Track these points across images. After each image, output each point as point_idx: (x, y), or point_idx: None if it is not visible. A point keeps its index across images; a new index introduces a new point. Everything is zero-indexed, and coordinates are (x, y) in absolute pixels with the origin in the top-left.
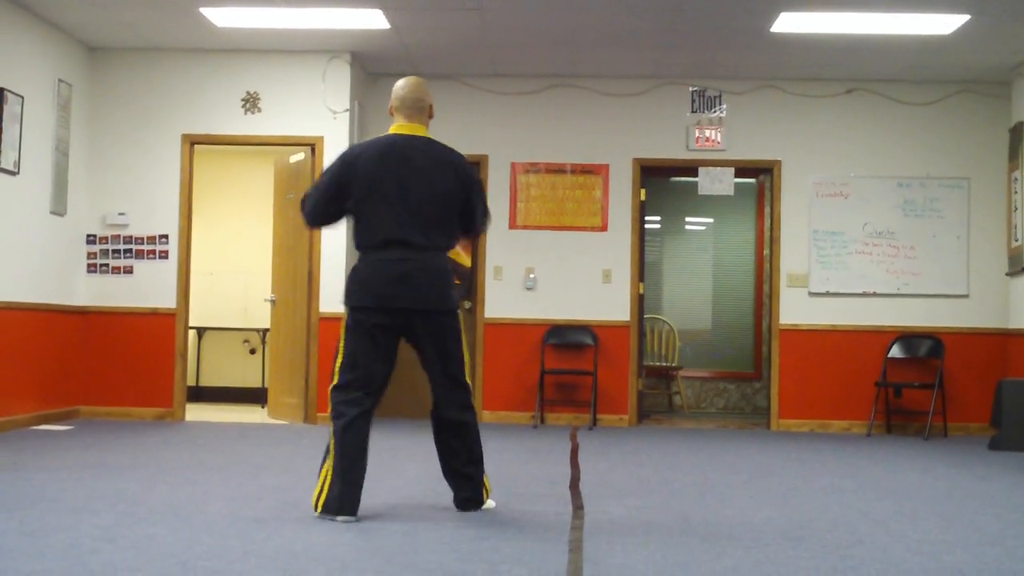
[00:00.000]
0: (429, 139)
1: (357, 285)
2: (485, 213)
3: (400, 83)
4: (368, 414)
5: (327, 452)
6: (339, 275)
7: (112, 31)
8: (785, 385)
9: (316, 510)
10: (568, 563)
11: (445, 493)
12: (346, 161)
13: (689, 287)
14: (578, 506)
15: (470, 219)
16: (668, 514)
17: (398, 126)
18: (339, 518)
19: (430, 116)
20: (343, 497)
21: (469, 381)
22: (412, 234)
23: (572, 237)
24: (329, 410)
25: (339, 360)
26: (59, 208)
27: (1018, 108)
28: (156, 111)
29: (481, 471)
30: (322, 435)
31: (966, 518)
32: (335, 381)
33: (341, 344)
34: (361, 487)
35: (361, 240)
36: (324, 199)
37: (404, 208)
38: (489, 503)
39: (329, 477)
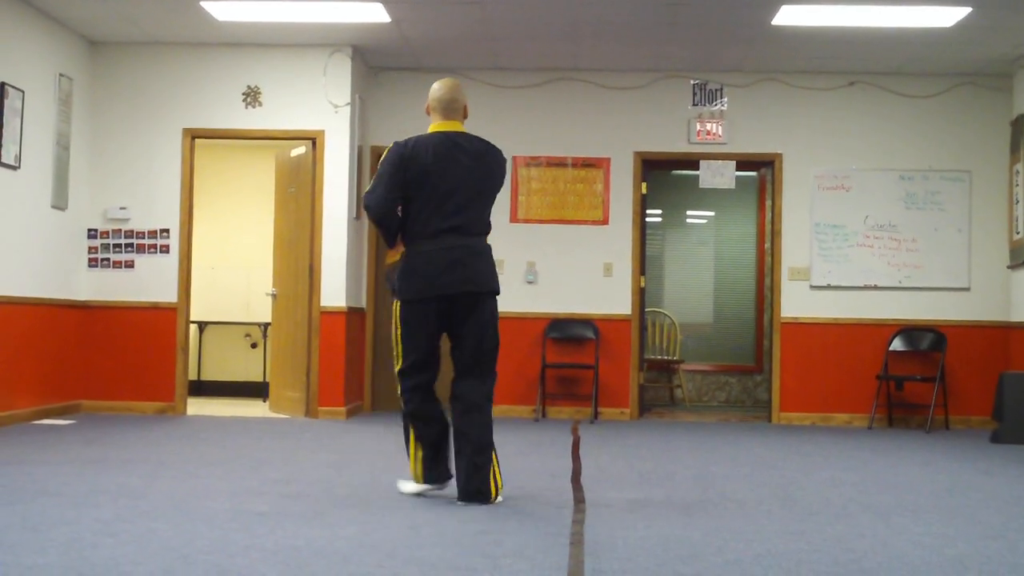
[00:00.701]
0: (467, 134)
1: (413, 274)
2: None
3: (436, 85)
4: (431, 392)
5: (406, 432)
6: (340, 269)
7: (113, 25)
8: (786, 378)
9: (419, 482)
10: (569, 556)
11: (446, 487)
12: (403, 155)
13: (690, 280)
14: (579, 499)
15: (492, 202)
16: (670, 507)
17: (437, 124)
18: (431, 486)
19: (464, 116)
20: (436, 468)
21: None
22: (463, 222)
23: (573, 231)
24: (399, 392)
25: (400, 346)
26: (60, 202)
27: (1019, 101)
28: (157, 105)
29: (490, 462)
30: (323, 429)
31: (968, 511)
32: (399, 366)
33: (399, 330)
34: (448, 456)
35: (415, 228)
36: (389, 188)
37: (454, 199)
38: (499, 500)
39: (420, 452)
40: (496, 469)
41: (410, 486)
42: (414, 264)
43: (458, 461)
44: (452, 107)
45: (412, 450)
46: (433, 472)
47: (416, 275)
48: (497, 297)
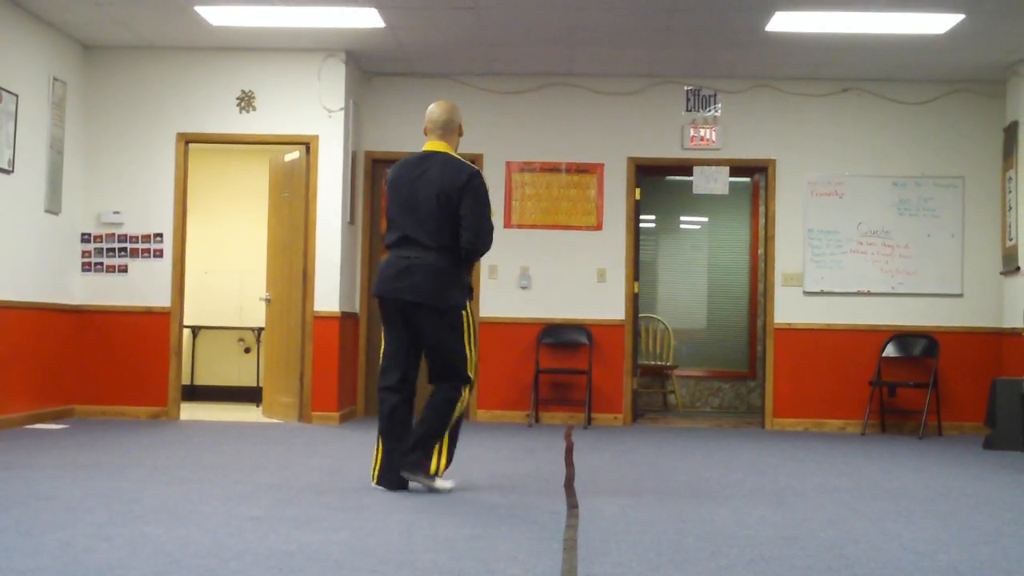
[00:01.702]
0: (449, 154)
1: (377, 278)
2: (476, 230)
3: (432, 107)
4: (402, 394)
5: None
6: (334, 274)
7: (107, 29)
8: (780, 384)
9: (373, 481)
10: (562, 562)
11: (439, 492)
12: (392, 176)
13: (684, 286)
14: (572, 505)
15: (463, 228)
16: (663, 513)
17: (428, 144)
18: (378, 488)
19: (460, 134)
20: (388, 470)
21: (472, 374)
22: (418, 234)
23: (567, 236)
24: (379, 386)
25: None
26: (54, 207)
27: (1012, 107)
28: (151, 109)
29: (436, 441)
30: (316, 434)
31: (960, 517)
32: (383, 364)
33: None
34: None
35: (385, 238)
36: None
37: (412, 212)
38: (443, 483)
39: (380, 453)
40: (443, 450)
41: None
42: (383, 268)
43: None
44: (447, 128)
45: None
46: (386, 477)
47: (378, 277)
48: (458, 308)
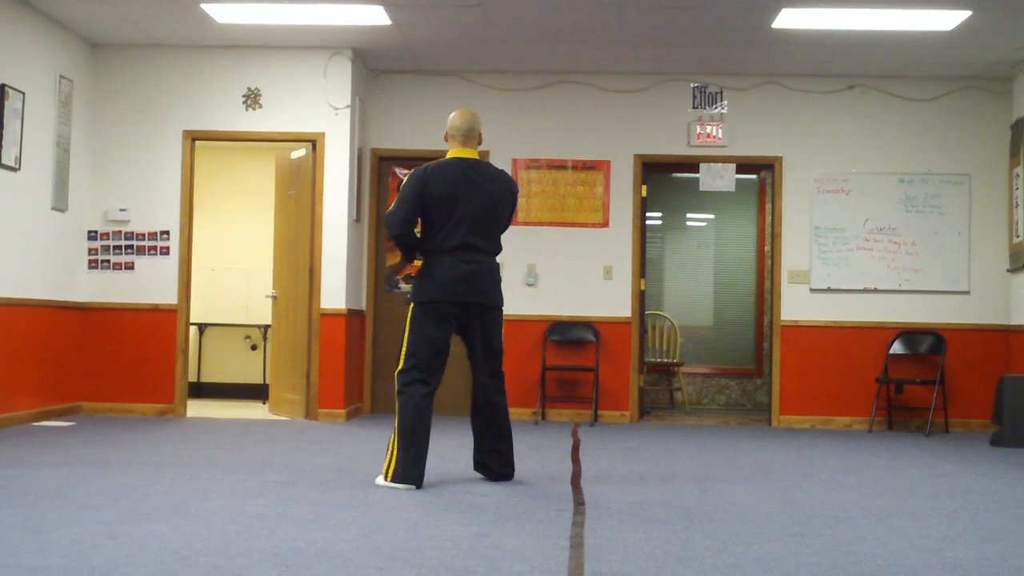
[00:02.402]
0: (480, 160)
1: (431, 283)
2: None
3: (454, 115)
4: (430, 394)
5: (393, 429)
6: (340, 271)
7: (113, 27)
8: (786, 381)
9: (386, 479)
10: (569, 559)
11: (446, 489)
12: (421, 180)
13: (690, 283)
14: (579, 502)
15: (504, 226)
16: (669, 510)
17: (455, 151)
18: (401, 486)
19: (479, 142)
20: (407, 468)
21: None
22: (477, 241)
23: (573, 233)
24: (396, 391)
25: (404, 348)
26: (60, 204)
27: (1019, 104)
28: (157, 107)
29: (512, 447)
30: (323, 431)
31: (967, 514)
32: (401, 366)
33: (408, 333)
34: (425, 459)
35: (432, 245)
36: (408, 210)
37: (469, 221)
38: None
39: (396, 450)
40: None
41: (380, 480)
42: (434, 273)
43: (483, 452)
44: (470, 135)
45: (390, 446)
46: (412, 472)
47: (435, 282)
48: (502, 309)
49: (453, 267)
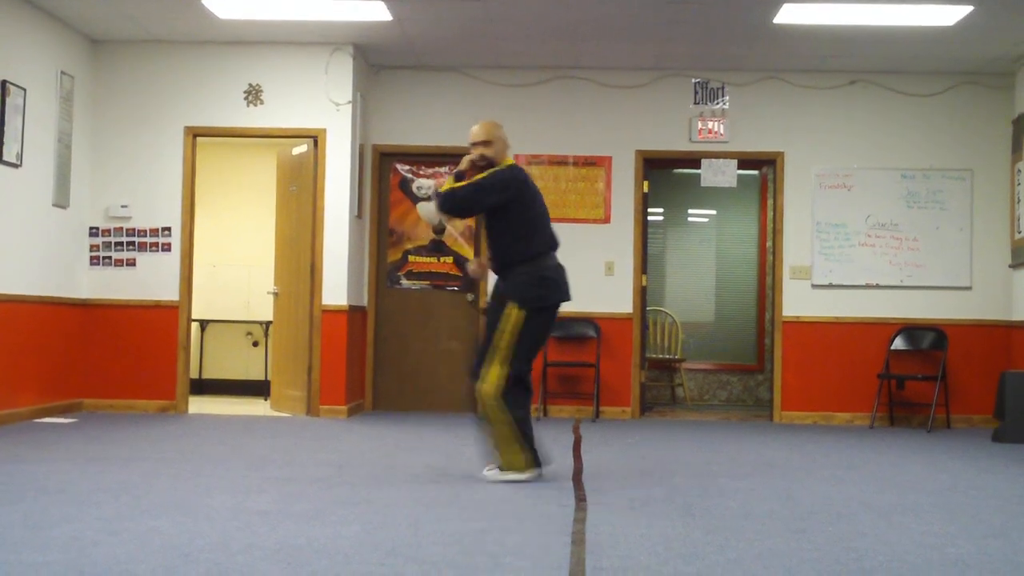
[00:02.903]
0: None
1: (548, 286)
2: None
3: (497, 128)
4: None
5: (507, 425)
6: (341, 267)
7: (114, 23)
8: (788, 377)
9: (525, 471)
10: (571, 555)
11: (448, 485)
12: (520, 179)
13: (692, 279)
14: (581, 498)
15: None
16: (671, 506)
17: (508, 160)
18: (530, 473)
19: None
20: (533, 455)
21: None
22: (554, 242)
23: (575, 229)
24: (494, 395)
25: (514, 350)
26: (62, 201)
27: (1021, 99)
28: (158, 103)
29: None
30: (324, 427)
31: (969, 510)
32: (507, 370)
33: (517, 337)
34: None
35: (534, 248)
36: (502, 199)
37: (546, 221)
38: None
39: (520, 444)
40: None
41: (517, 476)
42: (547, 275)
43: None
44: (505, 142)
45: (516, 442)
46: (535, 457)
47: (552, 285)
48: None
49: (559, 269)
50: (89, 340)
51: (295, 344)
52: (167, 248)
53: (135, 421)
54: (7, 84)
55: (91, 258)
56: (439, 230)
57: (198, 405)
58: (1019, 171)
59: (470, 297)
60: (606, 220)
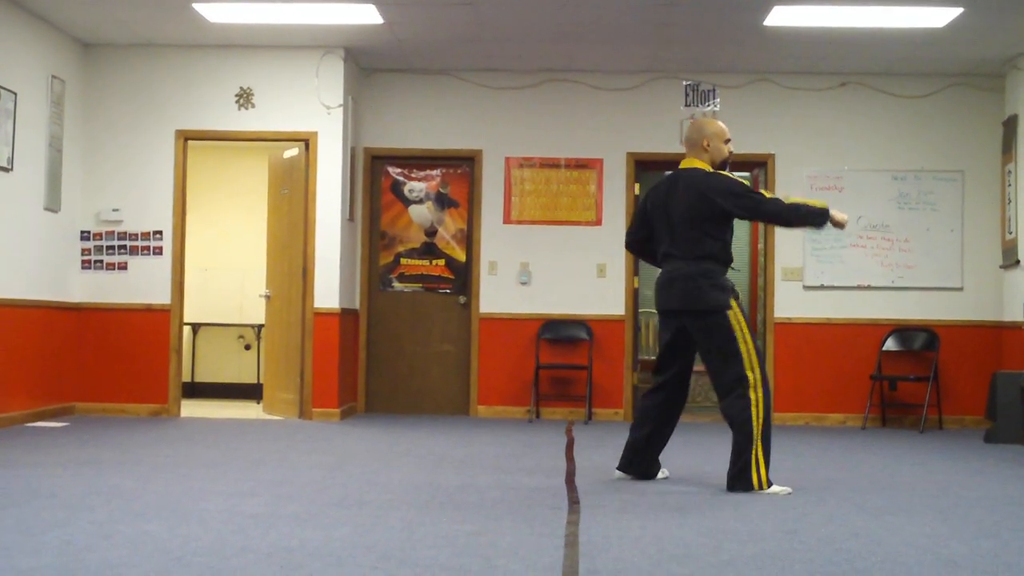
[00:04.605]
0: (695, 168)
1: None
2: (754, 208)
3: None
4: (658, 397)
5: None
6: (333, 270)
7: (105, 27)
8: (780, 379)
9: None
10: (564, 557)
11: (441, 488)
12: (646, 194)
13: None
14: (574, 500)
15: (743, 215)
16: (664, 507)
17: (683, 161)
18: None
19: (705, 148)
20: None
21: (750, 375)
22: (674, 248)
23: (566, 231)
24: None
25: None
26: (53, 205)
27: (1012, 101)
28: (150, 107)
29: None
30: (317, 430)
31: (961, 511)
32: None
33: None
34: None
35: (654, 258)
36: (632, 226)
37: (668, 228)
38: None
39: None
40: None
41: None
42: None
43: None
44: (691, 143)
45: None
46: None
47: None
48: (723, 310)
49: (659, 277)
50: (81, 344)
51: (287, 347)
52: (159, 252)
53: (127, 425)
54: None
55: (83, 262)
56: (431, 232)
57: (190, 409)
58: (1009, 172)
59: (462, 299)
60: (598, 222)
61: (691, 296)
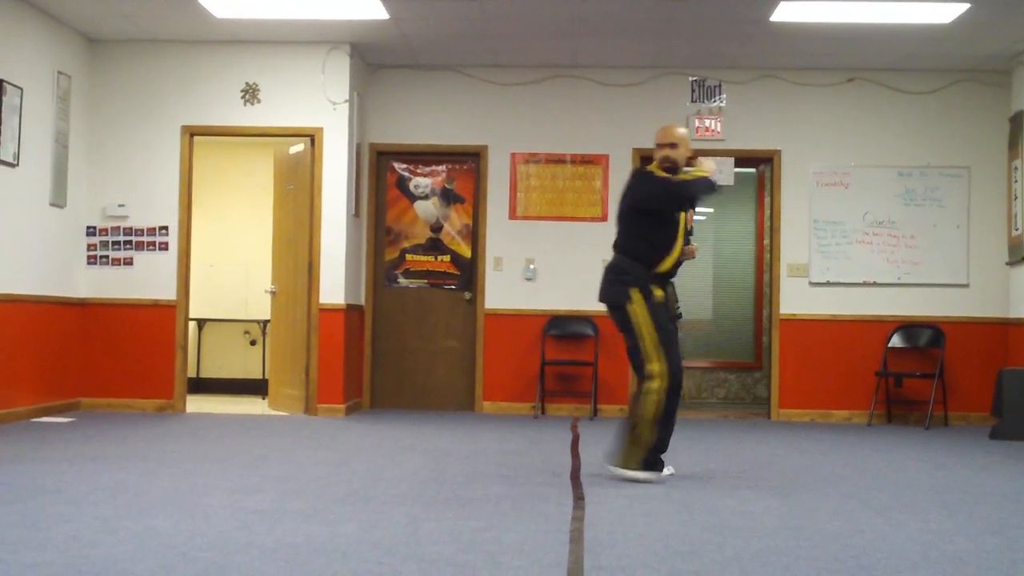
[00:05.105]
0: (640, 169)
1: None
2: (654, 194)
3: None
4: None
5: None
6: (339, 266)
7: (111, 22)
8: (786, 375)
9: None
10: (569, 553)
11: (446, 484)
12: None
13: (689, 277)
14: (579, 496)
15: (625, 218)
16: (669, 504)
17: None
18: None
19: (671, 146)
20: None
21: (652, 366)
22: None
23: (572, 227)
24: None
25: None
26: (59, 200)
27: (1018, 97)
28: (155, 102)
29: (628, 433)
30: (322, 426)
31: (966, 507)
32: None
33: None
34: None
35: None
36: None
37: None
38: (629, 473)
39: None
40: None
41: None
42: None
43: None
44: (657, 150)
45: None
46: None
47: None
48: (622, 304)
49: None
50: (87, 339)
51: (293, 343)
52: (164, 247)
53: (133, 420)
54: (4, 83)
55: (88, 257)
56: (436, 228)
57: (196, 404)
58: (1016, 168)
59: (467, 295)
60: (603, 218)
61: (601, 291)
